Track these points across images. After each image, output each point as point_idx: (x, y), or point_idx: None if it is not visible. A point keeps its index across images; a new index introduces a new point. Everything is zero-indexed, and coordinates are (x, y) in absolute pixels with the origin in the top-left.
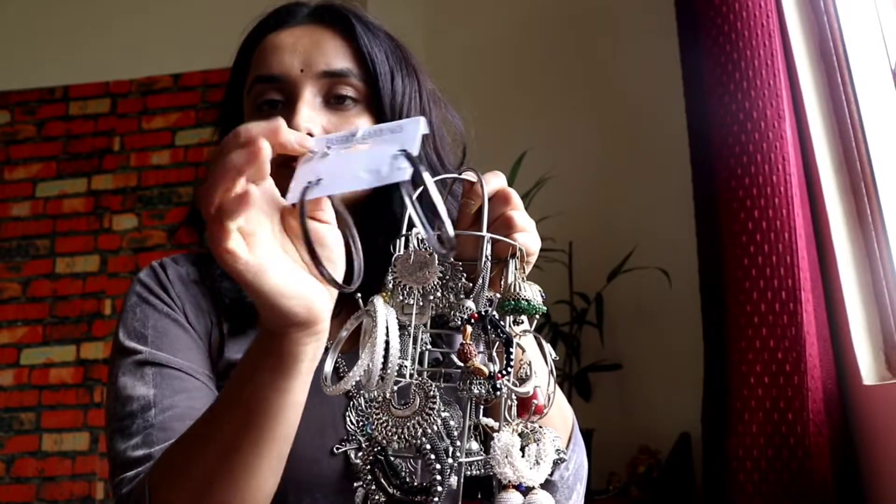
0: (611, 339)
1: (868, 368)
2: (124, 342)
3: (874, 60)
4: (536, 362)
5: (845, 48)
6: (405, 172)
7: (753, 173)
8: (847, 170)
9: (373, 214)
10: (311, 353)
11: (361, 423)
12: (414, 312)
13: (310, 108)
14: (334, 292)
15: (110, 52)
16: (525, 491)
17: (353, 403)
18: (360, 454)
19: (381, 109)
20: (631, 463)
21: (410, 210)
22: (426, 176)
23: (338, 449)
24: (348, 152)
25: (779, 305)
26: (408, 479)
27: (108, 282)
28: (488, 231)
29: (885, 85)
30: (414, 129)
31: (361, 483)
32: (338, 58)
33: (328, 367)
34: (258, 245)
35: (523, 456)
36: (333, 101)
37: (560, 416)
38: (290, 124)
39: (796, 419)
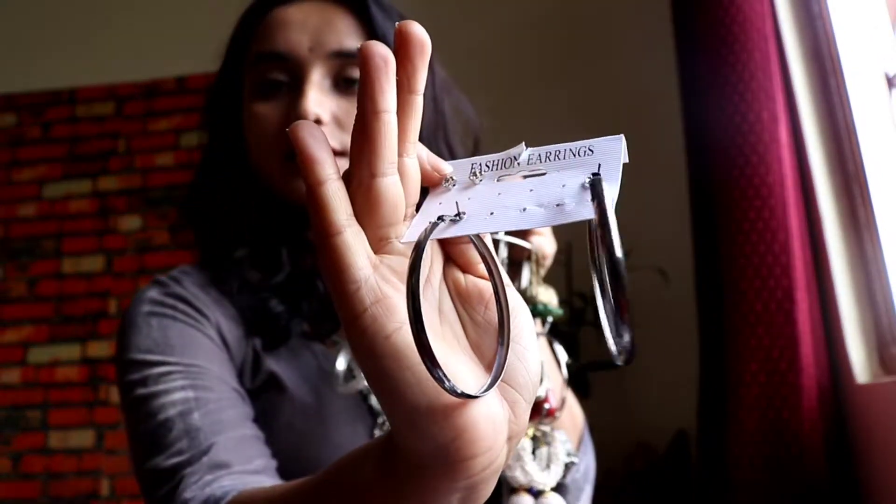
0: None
1: (861, 367)
2: (143, 357)
3: (867, 64)
4: (548, 365)
5: (838, 52)
6: (590, 208)
7: (749, 175)
8: (840, 171)
9: None
10: None
11: None
12: None
13: (318, 91)
14: (522, 413)
15: (116, 54)
16: (536, 494)
17: (380, 421)
18: None
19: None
20: (628, 459)
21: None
22: (610, 212)
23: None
24: (504, 181)
25: (774, 305)
26: None
27: (114, 281)
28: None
29: (878, 88)
30: (615, 150)
31: None
32: (350, 37)
33: (341, 365)
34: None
35: (534, 459)
36: (343, 84)
37: (570, 419)
38: (297, 109)
39: (791, 417)
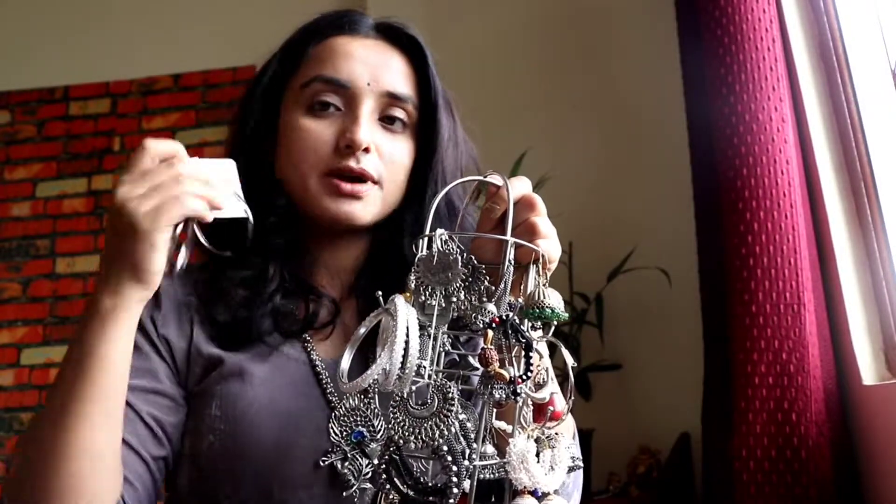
0: (611, 339)
1: (868, 368)
2: None
3: (874, 62)
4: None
5: (845, 50)
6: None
7: (759, 174)
8: (847, 170)
9: (395, 215)
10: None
11: (345, 433)
12: (435, 314)
13: (369, 122)
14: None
15: (110, 52)
16: (540, 497)
17: (336, 414)
18: (346, 464)
19: (428, 137)
20: (631, 463)
21: None
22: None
23: (323, 461)
24: None
25: (783, 306)
26: (421, 479)
27: None
28: (511, 236)
29: (885, 86)
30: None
31: (354, 489)
32: (404, 82)
33: (345, 363)
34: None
35: (538, 462)
36: (386, 121)
37: (565, 424)
38: (353, 135)
39: (799, 419)
